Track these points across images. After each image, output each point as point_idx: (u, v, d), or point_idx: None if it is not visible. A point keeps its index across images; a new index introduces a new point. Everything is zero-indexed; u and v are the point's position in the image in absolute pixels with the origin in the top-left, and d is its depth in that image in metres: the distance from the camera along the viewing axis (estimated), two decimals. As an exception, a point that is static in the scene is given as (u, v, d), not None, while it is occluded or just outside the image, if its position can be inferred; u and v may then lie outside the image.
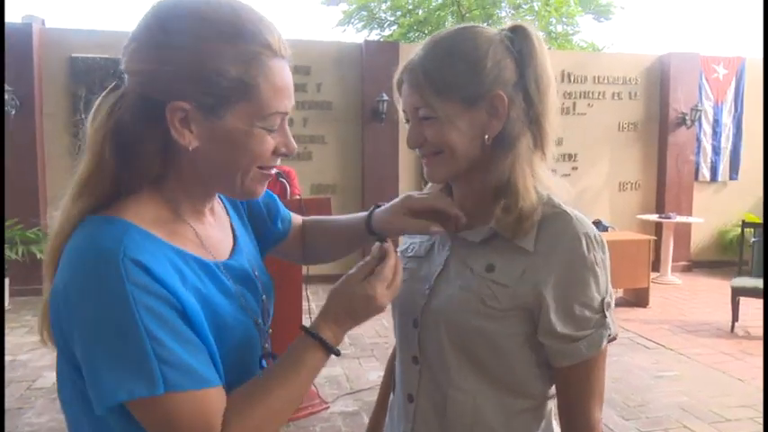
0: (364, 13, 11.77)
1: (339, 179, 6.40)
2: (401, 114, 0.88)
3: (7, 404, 3.15)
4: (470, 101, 0.80)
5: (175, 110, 0.66)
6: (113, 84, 0.71)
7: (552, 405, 0.88)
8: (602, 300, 0.80)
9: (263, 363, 0.81)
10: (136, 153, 0.69)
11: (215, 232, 0.80)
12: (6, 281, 5.16)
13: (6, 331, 4.43)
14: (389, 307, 0.86)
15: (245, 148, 0.70)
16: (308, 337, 0.74)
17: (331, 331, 0.76)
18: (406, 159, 6.42)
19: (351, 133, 6.37)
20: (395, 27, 11.97)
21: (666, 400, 3.24)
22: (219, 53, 0.65)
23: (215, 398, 0.65)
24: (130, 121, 0.68)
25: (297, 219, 1.06)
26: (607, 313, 0.80)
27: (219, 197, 0.87)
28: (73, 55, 5.69)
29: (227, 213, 0.88)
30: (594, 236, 0.80)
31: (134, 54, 0.68)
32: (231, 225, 0.87)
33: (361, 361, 3.89)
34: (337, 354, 0.76)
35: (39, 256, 5.29)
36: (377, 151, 6.29)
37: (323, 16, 23.60)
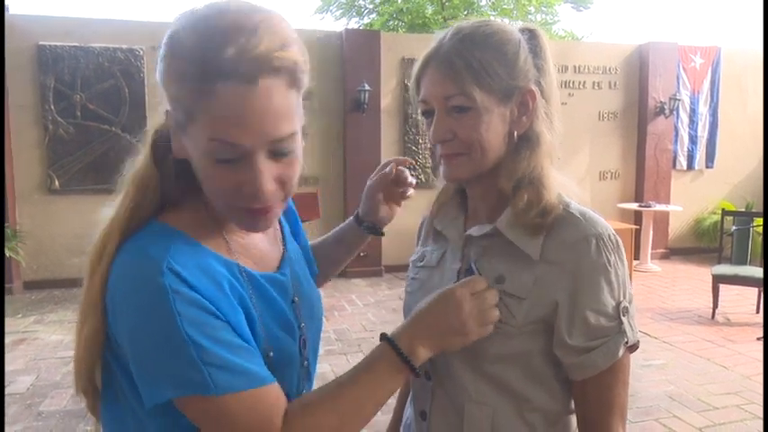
0: (343, 0, 11.59)
1: (321, 170, 6.28)
2: (417, 108, 0.84)
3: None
4: (506, 93, 0.78)
5: (168, 117, 0.67)
6: None
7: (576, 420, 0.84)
8: (618, 304, 0.75)
9: (301, 385, 0.79)
10: (173, 162, 0.70)
11: (263, 244, 0.79)
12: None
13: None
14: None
15: (204, 174, 0.66)
16: (381, 341, 0.73)
17: (408, 339, 0.73)
18: (389, 150, 6.35)
19: (332, 124, 6.25)
20: (374, 15, 11.82)
21: (654, 390, 3.26)
22: (180, 67, 0.63)
23: (270, 395, 0.66)
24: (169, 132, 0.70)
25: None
26: (624, 319, 0.76)
27: None
28: (40, 43, 5.43)
29: (280, 223, 0.87)
30: (608, 236, 0.77)
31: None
32: (282, 236, 0.86)
33: (349, 357, 3.82)
34: (410, 366, 0.71)
35: (7, 254, 5.09)
36: (359, 142, 6.20)
37: (300, 3, 23.27)
